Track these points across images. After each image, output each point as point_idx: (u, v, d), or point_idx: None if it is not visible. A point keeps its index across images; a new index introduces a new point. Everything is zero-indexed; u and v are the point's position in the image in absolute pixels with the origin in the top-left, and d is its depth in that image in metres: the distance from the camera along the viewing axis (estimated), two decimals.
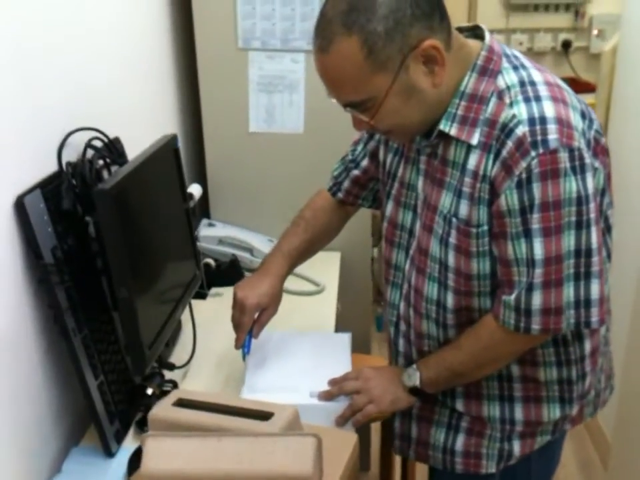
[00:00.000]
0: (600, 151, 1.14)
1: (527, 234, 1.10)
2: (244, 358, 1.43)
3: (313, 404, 1.33)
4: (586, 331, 1.22)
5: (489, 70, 1.15)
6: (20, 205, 1.13)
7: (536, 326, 1.14)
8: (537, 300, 1.12)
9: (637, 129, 2.27)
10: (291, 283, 1.89)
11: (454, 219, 1.18)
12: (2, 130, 1.11)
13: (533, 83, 1.12)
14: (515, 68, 1.15)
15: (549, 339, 1.22)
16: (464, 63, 1.15)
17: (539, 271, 1.11)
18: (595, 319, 1.14)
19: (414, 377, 1.30)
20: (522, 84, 1.13)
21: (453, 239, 1.19)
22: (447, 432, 1.34)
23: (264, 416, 1.10)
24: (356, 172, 1.47)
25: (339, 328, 1.76)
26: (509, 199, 1.10)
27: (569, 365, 1.25)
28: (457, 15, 3.49)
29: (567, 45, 3.63)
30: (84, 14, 1.42)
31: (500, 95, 1.13)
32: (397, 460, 2.19)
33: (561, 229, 1.08)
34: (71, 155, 1.31)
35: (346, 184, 1.50)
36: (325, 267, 2.00)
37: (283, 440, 1.01)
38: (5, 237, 1.13)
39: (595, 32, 3.58)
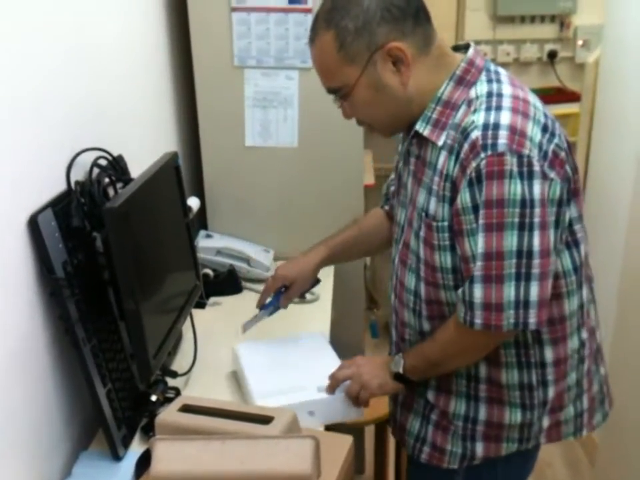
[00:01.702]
0: (558, 163, 1.20)
1: (477, 229, 1.18)
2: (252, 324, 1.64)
3: (325, 397, 1.42)
4: (546, 336, 1.29)
5: (465, 80, 1.25)
6: (33, 223, 1.19)
7: (478, 320, 1.21)
8: (478, 293, 1.19)
9: (618, 138, 2.34)
10: None
11: (424, 214, 1.28)
12: (15, 154, 1.18)
13: (499, 95, 1.22)
14: (489, 81, 1.25)
15: (511, 340, 1.29)
16: (444, 71, 1.26)
17: (479, 264, 1.18)
18: (532, 320, 1.20)
19: (398, 364, 1.37)
20: (489, 95, 1.22)
21: (422, 232, 1.29)
22: (422, 422, 1.42)
23: (264, 420, 1.16)
24: (393, 188, 1.59)
25: (334, 335, 1.83)
26: (463, 197, 1.18)
27: (529, 369, 1.32)
28: (446, 26, 3.56)
29: (552, 55, 3.69)
30: (85, 39, 1.48)
31: (469, 103, 1.23)
32: (391, 463, 2.25)
33: (503, 227, 1.16)
34: (79, 173, 1.38)
35: (390, 198, 1.61)
36: (319, 277, 2.07)
37: (283, 442, 1.08)
38: (20, 253, 1.19)
39: (579, 42, 3.64)
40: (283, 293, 1.61)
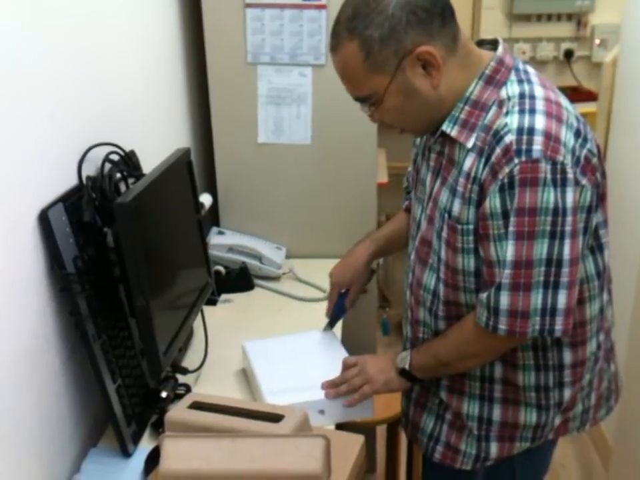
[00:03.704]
0: (590, 169, 1.18)
1: (506, 236, 1.16)
2: (331, 326, 1.67)
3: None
4: (565, 340, 1.28)
5: (495, 80, 1.22)
6: (44, 218, 1.19)
7: (502, 326, 1.19)
8: (504, 300, 1.18)
9: (636, 137, 2.31)
10: (298, 289, 1.96)
11: (446, 215, 1.26)
12: (26, 148, 1.17)
13: (532, 97, 1.19)
14: (520, 81, 1.22)
15: (529, 342, 1.27)
16: (473, 70, 1.22)
17: (507, 272, 1.16)
18: (558, 327, 1.18)
19: (405, 360, 1.36)
20: (522, 96, 1.19)
21: (444, 233, 1.27)
22: (436, 420, 1.41)
23: (275, 418, 1.15)
24: (410, 179, 1.57)
25: (345, 332, 1.81)
26: (493, 202, 1.16)
27: (546, 371, 1.30)
28: (461, 24, 3.52)
29: (569, 54, 3.65)
30: (98, 36, 1.48)
31: (500, 104, 1.20)
32: (402, 462, 2.24)
33: (534, 235, 1.14)
34: (90, 168, 1.37)
35: (410, 191, 1.59)
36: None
37: (293, 441, 1.07)
38: (30, 248, 1.19)
39: (597, 41, 3.60)
40: (344, 294, 1.63)
